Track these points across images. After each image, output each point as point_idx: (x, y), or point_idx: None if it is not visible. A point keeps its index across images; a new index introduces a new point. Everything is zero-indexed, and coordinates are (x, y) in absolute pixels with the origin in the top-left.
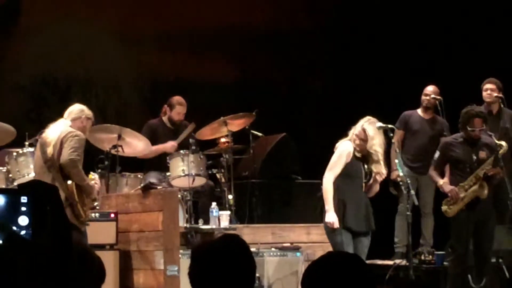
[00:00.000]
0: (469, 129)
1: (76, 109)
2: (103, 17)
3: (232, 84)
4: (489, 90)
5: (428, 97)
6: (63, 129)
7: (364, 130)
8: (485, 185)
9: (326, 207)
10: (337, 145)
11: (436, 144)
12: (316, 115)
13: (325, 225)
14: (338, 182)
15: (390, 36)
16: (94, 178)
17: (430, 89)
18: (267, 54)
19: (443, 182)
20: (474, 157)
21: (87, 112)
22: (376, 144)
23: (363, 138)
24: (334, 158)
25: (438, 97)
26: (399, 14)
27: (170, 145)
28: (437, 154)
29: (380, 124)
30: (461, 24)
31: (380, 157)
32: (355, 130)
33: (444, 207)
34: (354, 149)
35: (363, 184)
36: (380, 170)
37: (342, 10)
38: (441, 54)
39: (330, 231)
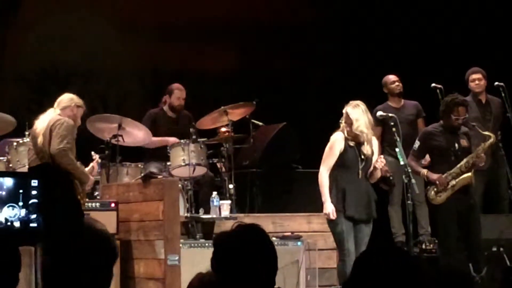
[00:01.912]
0: (453, 117)
1: (65, 98)
2: (104, 7)
3: (232, 74)
4: (477, 80)
5: (394, 84)
6: (51, 119)
7: (348, 114)
8: (473, 172)
9: (322, 199)
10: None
11: (415, 128)
12: (317, 104)
13: (327, 218)
14: (335, 173)
15: (391, 25)
16: (94, 158)
17: (392, 77)
18: (268, 44)
19: (427, 172)
20: (457, 145)
21: (77, 100)
22: (362, 125)
23: (349, 122)
24: (325, 151)
25: (439, 86)
26: (400, 3)
27: (173, 139)
28: (417, 144)
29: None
30: (462, 16)
31: (366, 137)
32: (343, 118)
33: (431, 195)
34: (347, 137)
35: (359, 172)
36: (368, 151)
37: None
38: (441, 43)
39: (331, 221)
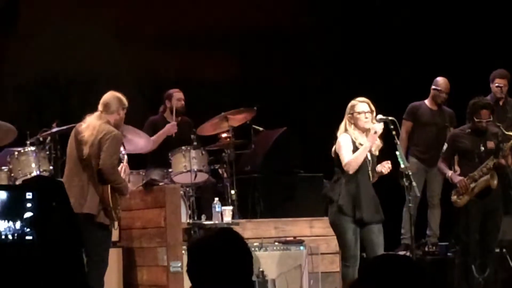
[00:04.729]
0: (476, 120)
1: (113, 101)
2: (103, 16)
3: (232, 80)
4: (502, 86)
5: (441, 93)
6: (99, 128)
7: (352, 106)
8: (495, 175)
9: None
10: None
11: (444, 135)
12: (317, 109)
13: (333, 222)
14: (347, 176)
15: (391, 29)
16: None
17: (441, 84)
18: (268, 50)
19: (451, 173)
20: (482, 148)
21: (124, 102)
22: (369, 120)
23: (357, 116)
24: (339, 150)
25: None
26: (399, 7)
27: (169, 126)
28: (445, 146)
29: (380, 116)
30: (462, 14)
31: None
32: (346, 117)
33: (453, 197)
34: (354, 140)
35: (369, 173)
36: (375, 149)
37: (343, 4)
38: (440, 48)
39: (339, 226)
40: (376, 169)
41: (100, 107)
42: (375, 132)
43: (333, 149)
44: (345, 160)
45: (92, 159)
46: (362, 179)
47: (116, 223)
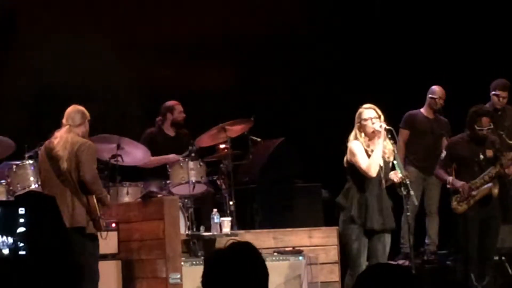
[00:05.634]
0: (477, 128)
1: (78, 115)
2: (101, 28)
3: (230, 90)
4: (502, 97)
5: (439, 100)
6: (72, 141)
7: (359, 113)
8: (497, 183)
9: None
10: (348, 145)
11: (439, 143)
12: (315, 118)
13: (342, 231)
14: (358, 184)
15: (389, 39)
16: None
17: (438, 92)
18: (265, 60)
19: (452, 179)
20: (482, 156)
21: (87, 114)
22: (376, 123)
23: (364, 123)
24: (353, 155)
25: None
26: (399, 16)
27: (174, 157)
28: (443, 154)
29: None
30: (461, 21)
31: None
32: (356, 126)
33: (454, 204)
34: (366, 149)
35: (382, 180)
36: (386, 153)
37: (342, 14)
38: (439, 57)
39: (348, 238)
40: (389, 175)
41: (66, 121)
42: (380, 126)
43: (345, 158)
44: (364, 165)
45: (72, 173)
46: (374, 188)
47: (104, 233)
